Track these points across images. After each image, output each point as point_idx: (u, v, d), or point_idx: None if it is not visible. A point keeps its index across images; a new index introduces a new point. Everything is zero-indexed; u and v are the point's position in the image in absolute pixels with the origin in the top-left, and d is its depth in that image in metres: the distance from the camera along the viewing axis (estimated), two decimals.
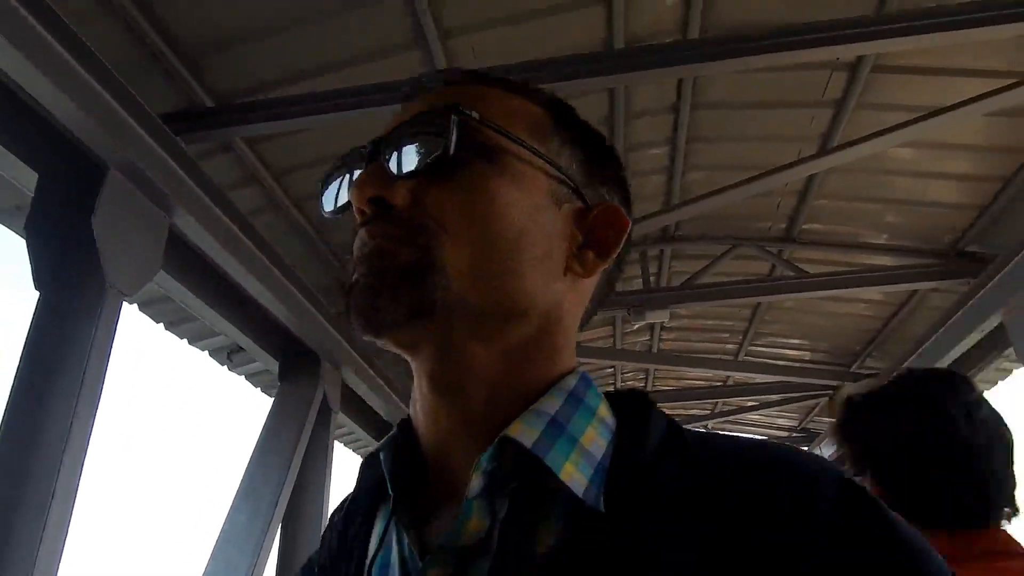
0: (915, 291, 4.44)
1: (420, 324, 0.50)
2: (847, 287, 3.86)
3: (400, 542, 0.52)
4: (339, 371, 3.59)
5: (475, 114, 0.54)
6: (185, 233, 2.42)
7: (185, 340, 3.63)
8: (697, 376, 6.30)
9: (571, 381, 0.54)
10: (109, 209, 2.04)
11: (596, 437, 0.51)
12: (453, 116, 0.53)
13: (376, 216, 0.52)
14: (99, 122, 1.98)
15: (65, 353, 1.90)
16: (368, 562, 0.54)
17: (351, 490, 0.61)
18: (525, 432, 0.49)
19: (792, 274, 4.00)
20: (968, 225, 3.73)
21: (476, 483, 0.48)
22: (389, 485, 0.53)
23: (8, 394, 1.83)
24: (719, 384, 6.41)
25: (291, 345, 3.31)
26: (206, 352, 3.84)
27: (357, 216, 0.55)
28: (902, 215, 3.82)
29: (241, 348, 3.55)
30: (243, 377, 4.11)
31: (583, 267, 0.57)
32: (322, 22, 2.35)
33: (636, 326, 4.69)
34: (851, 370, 5.90)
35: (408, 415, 0.58)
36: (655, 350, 5.79)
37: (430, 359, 0.53)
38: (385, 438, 0.57)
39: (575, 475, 0.48)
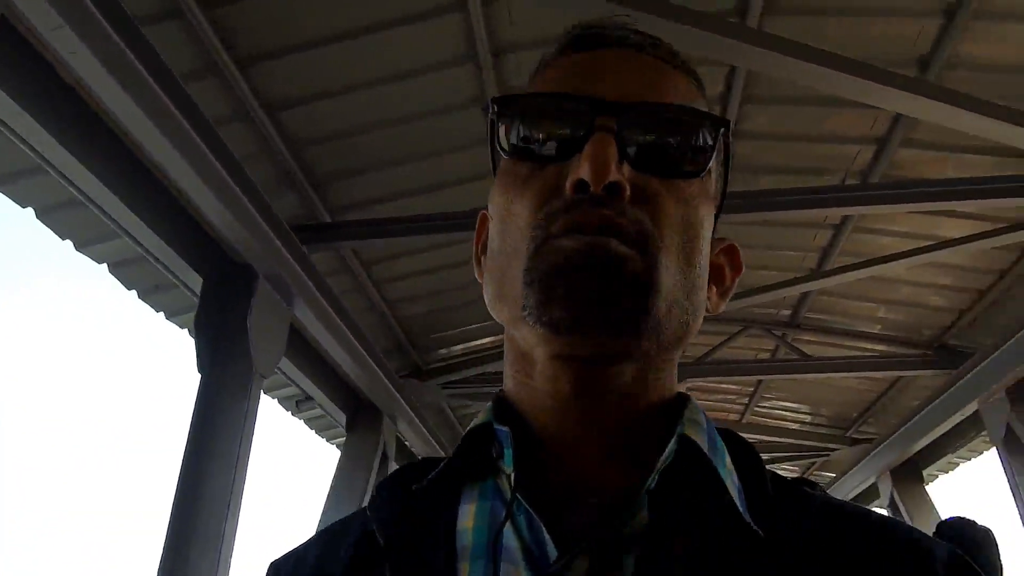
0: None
1: (626, 338, 0.47)
2: (843, 371, 4.42)
3: (521, 525, 0.48)
4: (396, 424, 4.15)
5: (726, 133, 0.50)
6: (300, 320, 2.99)
7: (163, 314, 3.60)
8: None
9: (696, 403, 0.53)
10: (258, 308, 2.61)
11: (732, 466, 0.50)
12: (722, 131, 0.50)
13: (602, 200, 0.47)
14: (251, 234, 2.54)
15: (225, 423, 2.46)
16: (469, 544, 0.49)
17: (400, 465, 0.57)
18: (698, 438, 0.49)
19: (796, 356, 4.54)
20: (950, 324, 4.28)
21: (655, 478, 0.46)
22: (511, 462, 0.49)
23: (182, 456, 2.39)
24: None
25: (359, 401, 3.88)
26: (276, 400, 4.39)
27: (569, 187, 0.48)
28: (893, 312, 4.38)
29: (309, 398, 4.08)
30: (303, 422, 4.65)
31: (711, 304, 0.56)
32: (435, 159, 2.94)
33: None
34: (848, 434, 6.43)
35: (501, 392, 0.55)
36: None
37: (579, 368, 0.49)
38: (485, 410, 0.54)
39: (732, 494, 0.47)
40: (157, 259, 2.57)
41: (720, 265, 0.58)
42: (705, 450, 0.48)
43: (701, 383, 6.17)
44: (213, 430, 2.45)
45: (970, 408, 4.06)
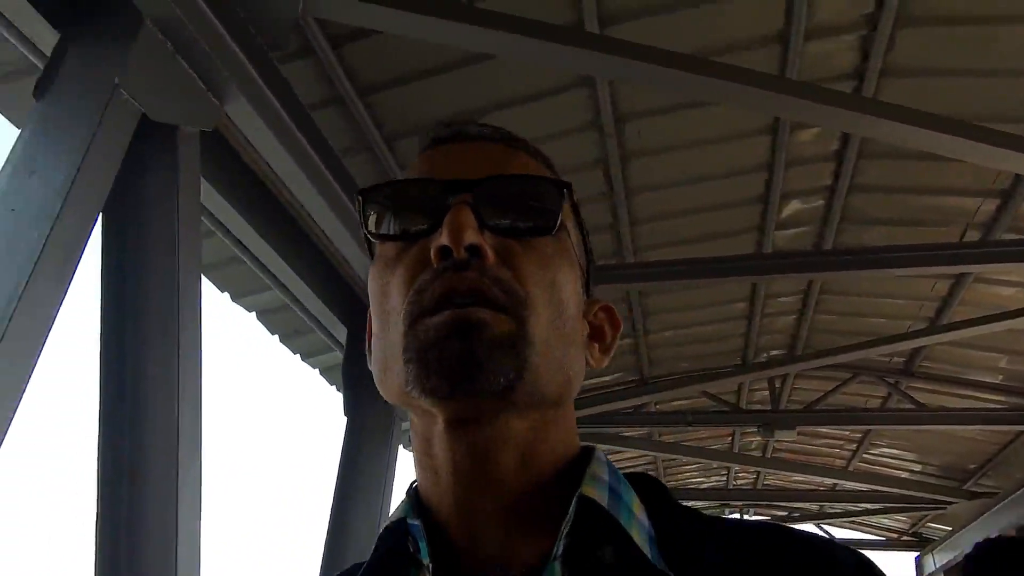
0: None
1: (507, 397, 0.49)
2: (959, 423, 4.27)
3: None
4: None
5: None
6: None
7: (298, 356, 3.78)
8: (807, 480, 6.62)
9: (602, 456, 0.54)
10: None
11: (641, 510, 0.51)
12: (565, 192, 0.54)
13: (466, 263, 0.49)
14: None
15: (370, 462, 2.69)
16: None
17: (348, 567, 0.58)
18: (597, 495, 0.50)
19: (909, 405, 4.43)
20: None
21: (563, 542, 0.47)
22: (426, 554, 0.50)
23: (333, 492, 2.63)
24: (826, 489, 6.70)
25: None
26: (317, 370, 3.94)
27: (434, 256, 0.50)
28: (1016, 363, 4.21)
29: None
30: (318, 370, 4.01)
31: (593, 359, 0.58)
32: None
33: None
34: (965, 487, 6.12)
35: (414, 485, 0.56)
36: (768, 455, 6.20)
37: (472, 431, 0.50)
38: (400, 506, 0.55)
39: (640, 541, 0.48)
40: (309, 312, 2.85)
41: (599, 324, 0.60)
42: (604, 505, 0.49)
43: (809, 429, 6.07)
44: (358, 468, 2.68)
45: None
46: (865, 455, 6.23)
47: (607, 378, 4.61)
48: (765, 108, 2.28)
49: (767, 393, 5.00)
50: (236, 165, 2.22)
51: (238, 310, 3.29)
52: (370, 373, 0.54)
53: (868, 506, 6.74)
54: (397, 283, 0.52)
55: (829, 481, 6.39)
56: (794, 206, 3.23)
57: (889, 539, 8.72)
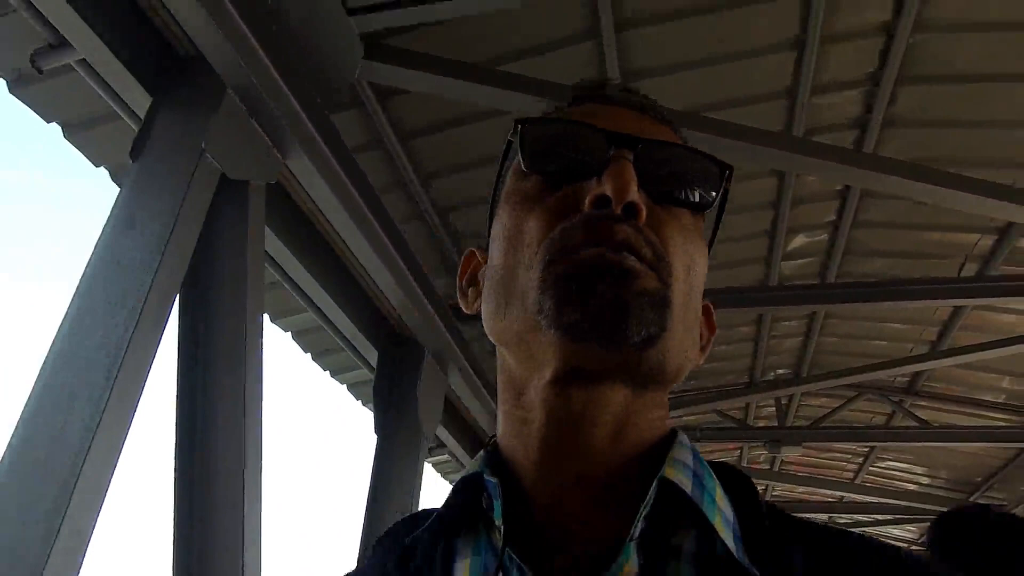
0: None
1: (642, 354, 0.47)
2: (962, 440, 4.44)
3: None
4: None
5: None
6: (452, 387, 3.41)
7: (328, 372, 3.99)
8: (814, 492, 6.78)
9: (686, 439, 0.52)
10: (424, 379, 3.04)
11: (725, 501, 0.49)
12: (727, 174, 0.53)
13: (621, 219, 0.48)
14: (421, 316, 2.97)
15: (400, 479, 2.89)
16: None
17: (400, 517, 0.58)
18: (681, 479, 0.47)
19: (913, 423, 4.60)
20: None
21: (640, 525, 0.45)
22: (499, 514, 0.48)
23: (364, 510, 2.83)
24: (834, 501, 6.85)
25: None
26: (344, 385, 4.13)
27: (589, 202, 0.49)
28: (1017, 383, 4.37)
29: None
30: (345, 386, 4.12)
31: (693, 355, 0.55)
32: None
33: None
34: (971, 499, 6.25)
35: (493, 439, 0.55)
36: (776, 469, 6.36)
37: (580, 388, 0.48)
38: (477, 458, 0.53)
39: (723, 531, 0.46)
40: (343, 335, 3.06)
41: (699, 324, 0.57)
42: (688, 491, 0.47)
43: (816, 444, 6.23)
44: (389, 486, 2.88)
45: None
46: (872, 468, 6.38)
47: None
48: (771, 163, 2.47)
49: (774, 409, 5.18)
50: (287, 205, 2.43)
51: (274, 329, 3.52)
52: (400, 395, 0.55)
53: (877, 517, 6.89)
54: (540, 220, 0.50)
55: (838, 493, 6.55)
56: (800, 240, 3.41)
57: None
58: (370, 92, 2.38)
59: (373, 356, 3.10)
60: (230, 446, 1.82)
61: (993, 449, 5.35)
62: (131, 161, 1.76)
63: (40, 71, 1.97)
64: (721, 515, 0.47)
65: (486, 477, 0.50)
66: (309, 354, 3.85)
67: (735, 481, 0.51)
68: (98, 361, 1.41)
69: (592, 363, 0.47)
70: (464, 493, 0.52)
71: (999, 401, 4.66)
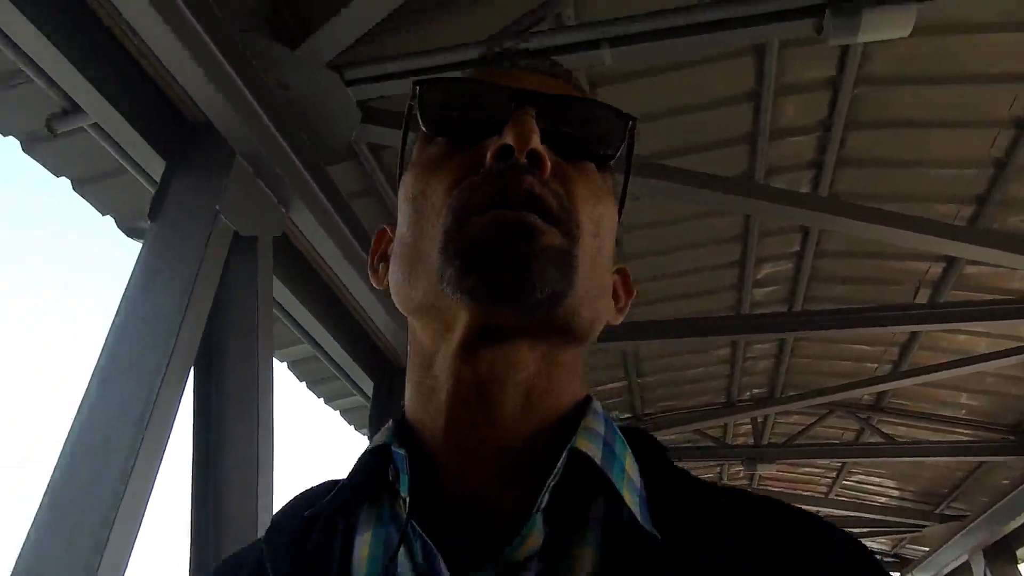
0: None
1: (549, 312, 0.46)
2: (925, 455, 4.68)
3: (416, 552, 0.46)
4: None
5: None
6: None
7: (322, 400, 4.13)
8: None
9: (598, 407, 0.51)
10: None
11: (634, 468, 0.49)
12: (630, 126, 0.52)
13: (524, 168, 0.46)
14: None
15: None
16: (362, 572, 0.47)
17: (303, 491, 0.55)
18: (591, 449, 0.46)
19: (882, 440, 4.83)
20: None
21: (547, 496, 0.44)
22: (406, 487, 0.47)
23: None
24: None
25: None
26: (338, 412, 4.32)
27: (491, 154, 0.47)
28: (976, 399, 4.63)
29: None
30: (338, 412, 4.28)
31: (610, 316, 0.55)
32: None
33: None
34: (936, 511, 6.51)
35: (402, 413, 0.52)
36: (754, 485, 6.57)
37: (487, 351, 0.47)
38: (384, 430, 0.51)
39: (630, 500, 0.46)
40: (339, 366, 3.22)
41: (615, 285, 0.57)
42: (598, 460, 0.46)
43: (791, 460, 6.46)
44: None
45: None
46: (845, 482, 6.60)
47: None
48: (735, 208, 2.69)
49: (751, 427, 5.40)
50: (290, 253, 2.60)
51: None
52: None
53: (851, 530, 7.12)
54: (443, 182, 0.49)
55: (812, 508, 6.76)
56: (768, 269, 3.64)
57: None
58: (365, 147, 2.56)
59: (368, 386, 3.26)
60: (245, 483, 1.96)
61: (956, 463, 5.60)
62: (149, 221, 1.93)
63: (54, 134, 2.14)
64: (629, 482, 0.47)
65: (393, 449, 0.49)
66: (304, 382, 4.01)
67: (645, 446, 0.52)
68: (130, 411, 1.56)
69: (498, 322, 0.46)
70: (371, 465, 0.50)
71: (960, 416, 4.91)
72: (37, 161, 2.35)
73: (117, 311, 1.75)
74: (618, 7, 2.17)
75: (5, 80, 2.09)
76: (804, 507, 0.50)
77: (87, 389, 1.62)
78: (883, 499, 6.73)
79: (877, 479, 6.47)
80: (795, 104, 2.69)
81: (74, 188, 2.50)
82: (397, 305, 0.51)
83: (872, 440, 4.93)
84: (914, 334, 4.07)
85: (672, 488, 0.49)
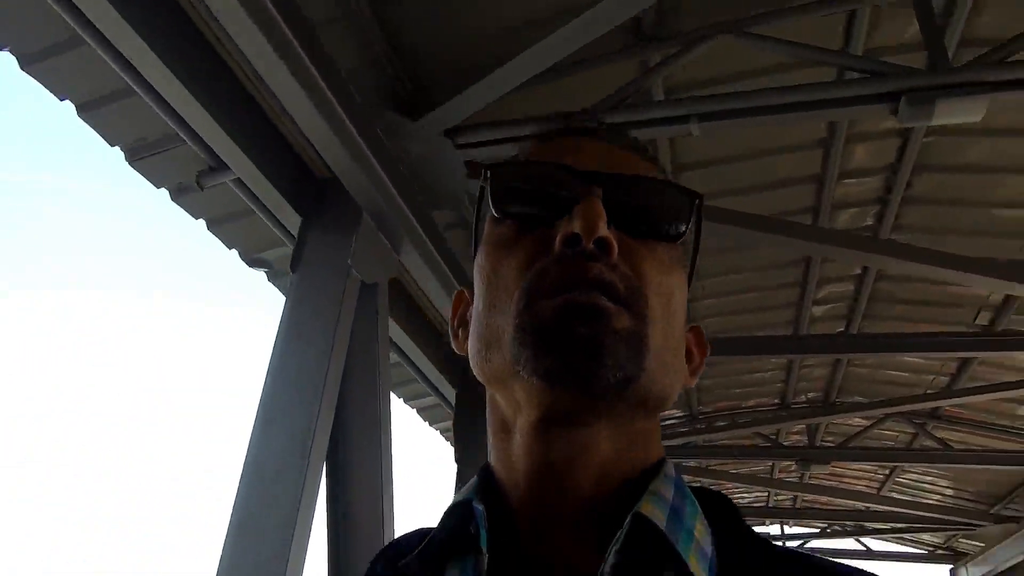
0: None
1: (621, 395, 0.47)
2: (981, 463, 4.80)
3: None
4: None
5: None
6: None
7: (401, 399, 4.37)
8: (840, 502, 7.13)
9: (671, 470, 0.51)
10: None
11: (704, 533, 0.48)
12: (697, 204, 0.53)
13: (593, 255, 0.48)
14: None
15: None
16: None
17: (395, 538, 0.59)
18: (655, 514, 0.47)
19: (937, 447, 4.96)
20: None
21: (611, 560, 0.45)
22: (485, 542, 0.48)
23: None
24: (861, 509, 7.20)
25: None
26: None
27: (560, 241, 0.49)
28: None
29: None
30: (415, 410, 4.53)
31: (684, 379, 0.56)
32: None
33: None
34: (992, 511, 6.59)
35: (487, 464, 0.54)
36: (805, 480, 6.73)
37: (561, 435, 0.48)
38: (469, 487, 0.53)
39: (696, 568, 0.45)
40: (426, 377, 3.54)
41: (689, 345, 0.58)
42: (662, 525, 0.46)
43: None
44: None
45: None
46: (898, 479, 6.73)
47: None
48: (799, 251, 2.88)
49: (804, 426, 5.57)
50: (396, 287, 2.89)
51: None
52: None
53: (901, 524, 7.24)
54: (514, 263, 0.51)
55: (863, 504, 6.91)
56: (828, 289, 3.81)
57: (927, 552, 9.13)
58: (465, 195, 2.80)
59: (452, 395, 3.58)
60: (372, 507, 2.21)
61: (1016, 467, 5.68)
62: (291, 272, 2.24)
63: (202, 188, 2.46)
64: (697, 548, 0.47)
65: (474, 504, 0.51)
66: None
67: (719, 509, 0.52)
68: (295, 445, 1.87)
69: (570, 406, 0.47)
70: (455, 517, 0.52)
71: (1016, 426, 5.01)
72: (183, 209, 2.69)
73: (271, 357, 2.06)
74: (702, 85, 2.38)
75: (162, 144, 2.42)
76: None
77: (253, 428, 1.94)
78: (937, 497, 6.83)
79: (932, 478, 6.57)
80: (865, 149, 2.85)
81: (208, 228, 2.84)
82: (475, 374, 0.53)
83: (927, 443, 5.06)
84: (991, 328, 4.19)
85: (745, 554, 0.48)
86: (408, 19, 2.20)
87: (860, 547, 8.68)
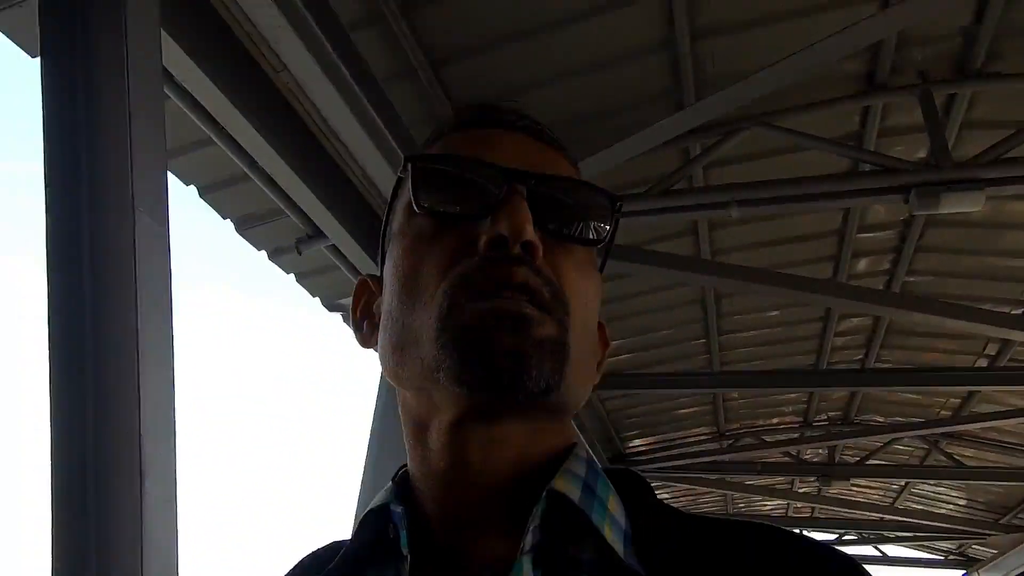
0: None
1: (542, 404, 0.47)
2: (991, 480, 5.13)
3: None
4: None
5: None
6: None
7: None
8: (858, 513, 7.40)
9: (582, 452, 0.52)
10: None
11: (618, 506, 0.50)
12: (618, 207, 0.53)
13: (518, 259, 0.47)
14: None
15: None
16: None
17: (309, 553, 0.57)
18: (569, 489, 0.48)
19: (949, 463, 5.29)
20: None
21: (529, 539, 0.46)
22: (406, 544, 0.49)
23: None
24: (876, 520, 7.49)
25: None
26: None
27: (484, 244, 0.48)
28: None
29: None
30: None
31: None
32: None
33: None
34: (1001, 521, 6.89)
35: (403, 469, 0.54)
36: (822, 493, 7.01)
37: (480, 430, 0.48)
38: (385, 492, 0.53)
39: (612, 539, 0.47)
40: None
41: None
42: (575, 500, 0.47)
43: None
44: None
45: None
46: (912, 491, 7.04)
47: (690, 431, 5.60)
48: (817, 304, 3.24)
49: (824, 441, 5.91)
50: None
51: None
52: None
53: (916, 533, 7.54)
54: (434, 261, 0.50)
55: (877, 515, 7.23)
56: (849, 322, 4.16)
57: (942, 558, 9.40)
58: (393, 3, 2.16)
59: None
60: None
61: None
62: None
63: (299, 253, 2.85)
64: (611, 521, 0.48)
65: (392, 507, 0.51)
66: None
67: (631, 486, 0.53)
68: None
69: (488, 408, 0.47)
70: (372, 525, 0.52)
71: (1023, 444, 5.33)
72: (278, 267, 3.08)
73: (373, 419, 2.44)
74: (737, 161, 2.74)
75: (268, 216, 2.81)
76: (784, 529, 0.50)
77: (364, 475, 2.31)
78: (950, 507, 7.12)
79: (944, 489, 6.88)
80: (877, 210, 3.20)
81: (297, 280, 3.24)
82: (384, 373, 0.53)
83: (939, 459, 5.39)
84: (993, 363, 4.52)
85: (658, 525, 0.50)
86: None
87: (877, 553, 8.97)
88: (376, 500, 0.52)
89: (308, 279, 3.21)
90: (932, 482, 6.61)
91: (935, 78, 2.41)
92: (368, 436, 2.37)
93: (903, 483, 6.78)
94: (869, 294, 3.02)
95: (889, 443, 5.59)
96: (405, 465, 0.54)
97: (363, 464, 2.41)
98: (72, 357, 1.06)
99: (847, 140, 2.67)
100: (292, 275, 3.19)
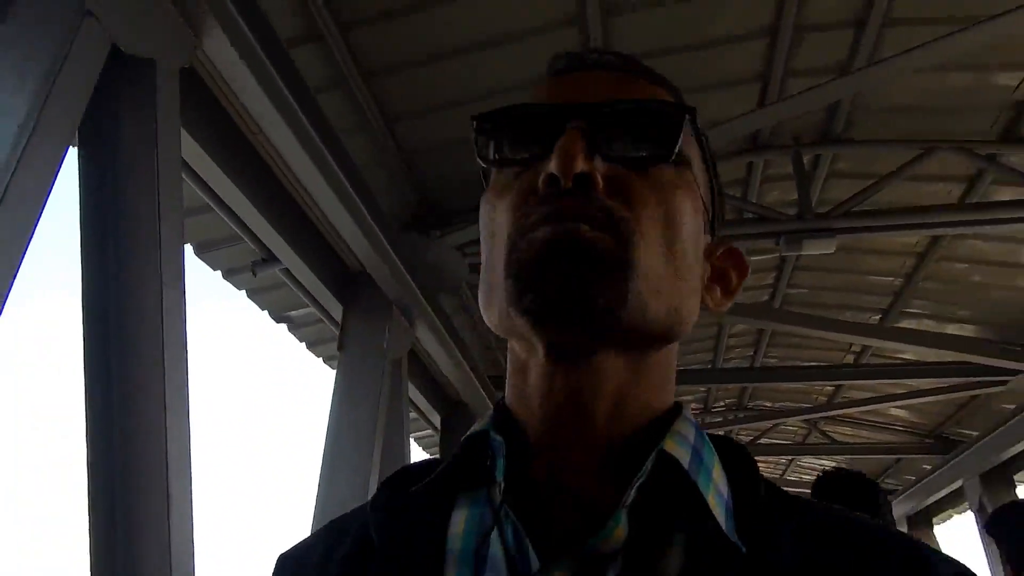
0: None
1: (608, 323, 0.47)
2: (863, 454, 5.96)
3: (508, 534, 0.48)
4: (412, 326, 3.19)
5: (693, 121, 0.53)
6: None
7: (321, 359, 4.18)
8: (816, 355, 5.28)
9: (690, 414, 0.53)
10: None
11: (722, 476, 0.50)
12: (687, 118, 0.52)
13: (573, 192, 0.48)
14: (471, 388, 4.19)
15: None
16: (457, 551, 0.50)
17: (402, 466, 0.58)
18: (680, 452, 0.48)
19: (827, 441, 6.06)
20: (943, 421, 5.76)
21: (633, 493, 0.46)
22: (502, 472, 0.49)
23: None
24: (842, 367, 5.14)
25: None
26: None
27: (542, 183, 0.49)
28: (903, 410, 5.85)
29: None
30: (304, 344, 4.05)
31: (713, 302, 0.57)
32: None
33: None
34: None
35: (502, 400, 0.55)
36: (777, 305, 4.44)
37: (570, 369, 0.49)
38: (484, 417, 0.54)
39: (716, 508, 0.47)
40: (413, 403, 4.25)
41: (725, 268, 0.58)
42: (685, 465, 0.48)
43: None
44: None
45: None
46: (797, 465, 7.90)
47: None
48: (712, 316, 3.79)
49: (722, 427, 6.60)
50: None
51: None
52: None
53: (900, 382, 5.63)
54: (504, 208, 0.51)
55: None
56: (740, 327, 4.80)
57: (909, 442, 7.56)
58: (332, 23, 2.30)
59: (438, 420, 4.30)
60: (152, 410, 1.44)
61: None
62: (339, 351, 2.93)
63: (255, 275, 3.13)
64: (715, 490, 0.48)
65: (492, 435, 0.51)
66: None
67: (735, 456, 0.53)
68: (357, 493, 2.58)
69: (566, 339, 0.48)
70: (470, 449, 0.53)
71: (886, 422, 6.15)
72: (232, 284, 3.36)
73: (329, 419, 2.76)
74: None
75: (230, 240, 3.06)
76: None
77: (320, 476, 2.63)
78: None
79: (824, 462, 7.76)
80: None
81: (248, 296, 3.51)
82: (487, 323, 0.54)
83: (819, 438, 6.20)
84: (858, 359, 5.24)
85: (760, 501, 0.49)
86: (428, 164, 2.80)
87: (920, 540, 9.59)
88: (477, 426, 0.54)
89: (258, 295, 3.49)
90: (812, 457, 7.52)
91: (805, 141, 2.95)
92: (324, 434, 2.68)
93: (789, 459, 7.64)
94: (755, 309, 3.59)
95: (776, 425, 6.35)
96: (502, 395, 0.55)
97: (320, 462, 2.71)
98: (100, 360, 1.40)
99: (735, 186, 3.19)
100: (244, 291, 3.47)
